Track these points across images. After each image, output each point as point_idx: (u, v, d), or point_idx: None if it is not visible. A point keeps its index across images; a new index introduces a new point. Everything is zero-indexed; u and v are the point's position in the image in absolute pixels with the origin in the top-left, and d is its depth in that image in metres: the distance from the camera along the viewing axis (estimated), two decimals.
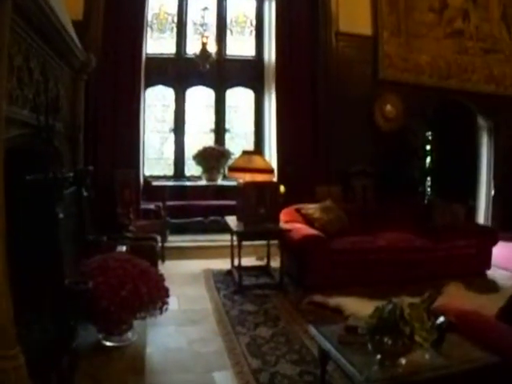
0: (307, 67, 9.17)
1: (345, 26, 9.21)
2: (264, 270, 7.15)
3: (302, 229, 6.72)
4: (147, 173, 9.24)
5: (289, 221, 7.00)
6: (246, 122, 9.99)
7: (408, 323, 2.50)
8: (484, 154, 10.73)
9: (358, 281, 6.38)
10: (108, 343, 4.18)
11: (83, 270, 4.21)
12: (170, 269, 7.28)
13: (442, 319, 2.82)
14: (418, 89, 9.51)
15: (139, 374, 3.79)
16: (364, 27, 9.39)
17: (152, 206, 8.25)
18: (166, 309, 4.36)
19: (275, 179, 7.76)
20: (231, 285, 6.52)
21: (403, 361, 2.57)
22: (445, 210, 7.67)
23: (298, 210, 7.25)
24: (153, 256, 6.13)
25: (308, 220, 7.05)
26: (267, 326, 5.14)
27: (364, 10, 9.43)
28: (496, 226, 9.95)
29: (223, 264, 7.19)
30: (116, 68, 8.28)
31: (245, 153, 6.97)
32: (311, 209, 7.15)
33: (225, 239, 7.32)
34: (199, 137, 9.65)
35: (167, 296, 4.38)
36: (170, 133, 9.55)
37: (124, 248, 5.90)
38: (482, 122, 10.63)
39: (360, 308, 4.96)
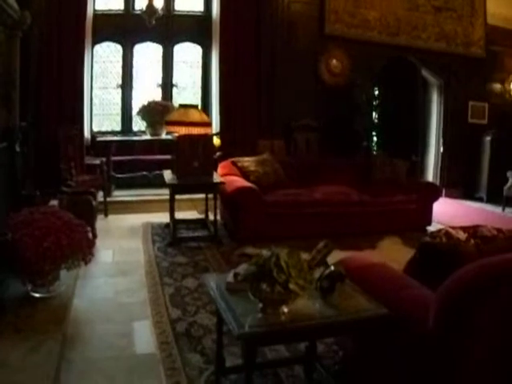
0: (252, 22, 9.27)
1: None
2: (203, 223, 7.33)
3: (235, 181, 6.87)
4: (96, 128, 9.41)
5: (225, 174, 7.16)
6: (194, 78, 10.11)
7: (283, 271, 2.45)
8: (434, 111, 11.03)
9: (293, 234, 6.48)
10: (36, 294, 4.31)
11: (10, 223, 4.30)
12: (112, 223, 7.53)
13: (332, 269, 2.82)
14: (365, 45, 9.66)
15: (60, 324, 3.89)
16: None
17: (97, 162, 8.34)
18: (90, 260, 4.47)
19: (213, 132, 7.96)
20: (168, 238, 6.65)
21: (285, 309, 2.54)
22: (385, 165, 7.87)
23: (234, 163, 7.40)
24: (89, 210, 6.27)
25: (244, 173, 7.20)
26: (194, 277, 5.29)
27: None
28: (444, 183, 10.40)
29: (164, 217, 7.31)
30: (60, 25, 8.32)
31: (181, 106, 7.12)
32: (247, 162, 7.31)
33: (168, 193, 7.46)
34: (147, 92, 9.74)
35: (91, 248, 4.50)
36: (117, 88, 9.70)
37: (56, 202, 6.11)
38: (432, 79, 10.86)
39: None
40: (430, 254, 2.88)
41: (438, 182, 10.52)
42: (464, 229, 2.91)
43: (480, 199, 10.56)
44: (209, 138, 6.85)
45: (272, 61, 9.30)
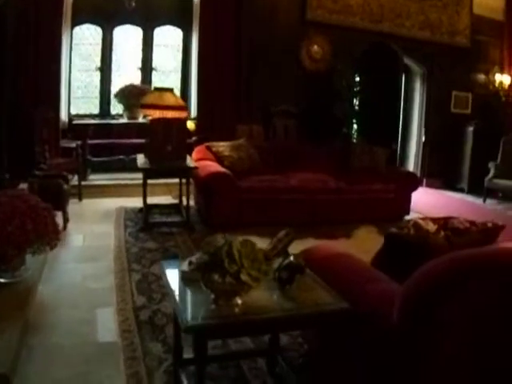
0: (233, 6, 9.20)
1: None
2: (176, 209, 7.26)
3: (209, 166, 6.80)
4: (74, 111, 9.28)
5: (200, 159, 7.09)
6: (174, 61, 10.00)
7: (235, 261, 2.34)
8: (417, 99, 11.01)
9: (267, 221, 6.39)
10: (0, 280, 4.21)
11: None
12: (86, 207, 7.47)
13: (291, 259, 2.72)
14: (347, 31, 9.61)
15: (23, 310, 3.84)
16: None
17: (73, 145, 8.25)
18: (56, 245, 4.36)
19: (191, 116, 7.88)
20: (140, 223, 6.57)
21: (239, 301, 2.45)
22: (364, 153, 7.82)
23: (209, 148, 7.33)
24: (60, 194, 6.19)
25: (218, 158, 7.13)
26: None
27: None
28: (425, 173, 10.39)
29: (139, 202, 7.11)
30: (37, 4, 8.16)
31: (156, 89, 7.04)
32: (222, 146, 7.22)
33: None
34: (127, 76, 9.62)
35: (57, 233, 4.39)
36: (96, 71, 9.56)
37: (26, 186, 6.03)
38: (415, 67, 10.84)
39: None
40: (397, 245, 2.80)
41: (419, 172, 10.56)
42: (434, 220, 2.83)
43: (461, 190, 10.57)
44: (182, 121, 6.76)
45: (252, 46, 9.22)
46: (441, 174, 10.80)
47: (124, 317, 4.05)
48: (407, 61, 10.65)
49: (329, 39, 9.65)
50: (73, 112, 9.18)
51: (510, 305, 2.13)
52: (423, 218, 2.88)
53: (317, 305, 2.60)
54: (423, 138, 10.92)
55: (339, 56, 9.68)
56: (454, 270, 2.15)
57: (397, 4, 10.11)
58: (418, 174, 9.83)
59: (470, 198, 10.02)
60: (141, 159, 6.73)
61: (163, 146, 6.40)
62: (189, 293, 2.63)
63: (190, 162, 6.74)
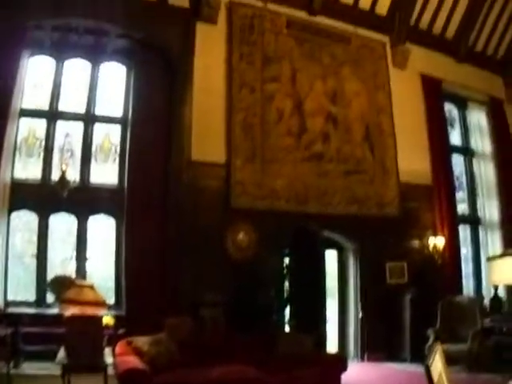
0: (159, 195, 9.74)
1: (198, 154, 9.87)
2: None
3: (127, 362, 6.77)
4: (11, 297, 9.43)
5: (121, 353, 7.09)
6: (107, 251, 10.30)
7: None
8: (351, 275, 11.32)
9: None
10: None
11: None
12: None
13: None
14: (273, 215, 10.02)
15: None
16: (217, 155, 10.05)
17: (5, 332, 8.23)
18: None
19: (107, 312, 8.07)
20: None
21: None
22: (290, 340, 7.97)
23: (129, 343, 7.36)
24: None
25: (138, 353, 7.14)
26: None
27: (218, 138, 10.16)
28: (366, 348, 10.53)
29: None
30: None
31: (76, 285, 7.36)
32: (140, 341, 7.32)
33: None
34: (63, 264, 9.94)
35: None
36: (32, 258, 9.83)
37: None
38: (346, 244, 11.25)
39: None
40: None
41: (359, 347, 10.67)
42: None
43: (404, 360, 10.62)
44: (99, 319, 6.91)
45: (178, 233, 9.59)
46: (383, 346, 10.84)
47: None
48: (337, 238, 11.11)
49: (255, 225, 9.97)
50: (10, 297, 9.34)
51: None
52: None
53: None
54: (360, 314, 11.06)
55: (266, 241, 9.94)
56: None
57: (322, 183, 10.72)
58: (359, 350, 9.98)
59: (412, 368, 10.08)
60: (61, 353, 6.80)
61: (80, 342, 6.49)
62: None
63: (109, 357, 6.83)
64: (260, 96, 10.56)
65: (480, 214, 13.62)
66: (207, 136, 10.05)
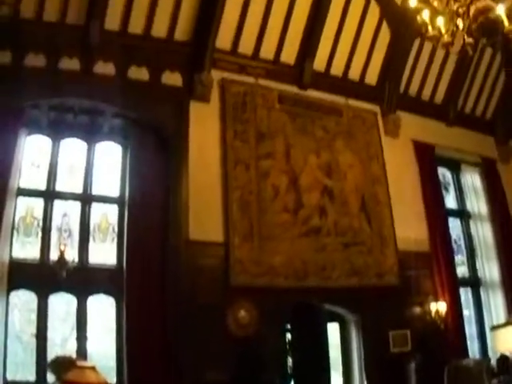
0: (158, 274, 9.71)
1: (196, 233, 9.89)
2: None
3: None
4: (11, 377, 9.22)
5: None
6: (107, 330, 10.20)
7: None
8: (354, 347, 11.21)
9: None
10: None
11: None
12: None
13: None
14: (273, 291, 10.01)
15: None
16: (215, 234, 10.08)
17: None
18: None
19: None
20: None
21: None
22: None
23: None
24: None
25: None
26: None
27: (215, 216, 10.20)
28: None
29: None
30: None
31: (77, 366, 7.29)
32: None
33: None
34: (63, 344, 9.86)
35: None
36: (31, 337, 9.70)
37: None
38: (348, 316, 11.21)
39: None
40: None
41: None
42: None
43: None
44: None
45: (178, 312, 9.54)
46: None
47: None
48: (339, 311, 11.07)
49: (255, 303, 9.95)
50: (9, 377, 9.17)
51: None
52: None
53: None
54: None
55: (267, 317, 9.91)
56: None
57: (320, 257, 10.75)
58: None
59: None
60: None
61: None
62: None
63: None
64: (255, 173, 10.67)
65: (480, 275, 13.61)
66: (204, 215, 10.11)
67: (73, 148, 10.80)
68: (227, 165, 10.58)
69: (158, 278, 9.76)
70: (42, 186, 10.36)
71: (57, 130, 10.59)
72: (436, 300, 11.82)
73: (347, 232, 11.29)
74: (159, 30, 10.97)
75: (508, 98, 14.71)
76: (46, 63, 10.00)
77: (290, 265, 10.44)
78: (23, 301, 9.93)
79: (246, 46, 11.71)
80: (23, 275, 9.57)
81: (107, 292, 10.24)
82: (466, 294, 13.38)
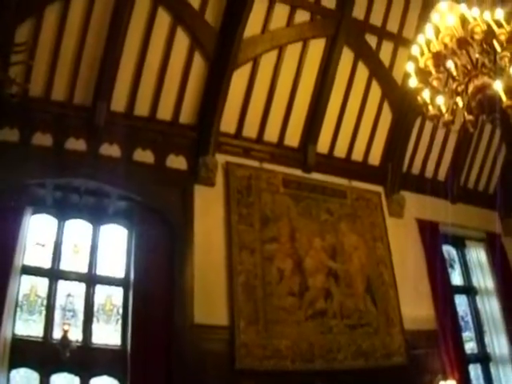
0: (163, 357, 9.71)
1: (201, 317, 9.96)
2: None
3: None
4: None
5: None
6: None
7: None
8: None
9: None
10: None
11: None
12: None
13: None
14: (279, 375, 10.01)
15: None
16: (220, 317, 10.15)
17: None
18: None
19: None
20: None
21: None
22: None
23: None
24: None
25: None
26: None
27: (220, 300, 10.29)
28: None
29: None
30: None
31: None
32: None
33: None
34: None
35: None
36: None
37: None
38: None
39: None
40: None
41: None
42: None
43: None
44: None
45: None
46: None
47: None
48: None
49: None
50: None
51: None
52: None
53: None
54: None
55: None
56: None
57: (326, 339, 10.75)
58: None
59: None
60: None
61: None
62: None
63: None
64: (260, 257, 10.81)
65: (489, 350, 13.55)
66: (209, 298, 10.21)
67: (78, 228, 11.02)
68: (232, 248, 10.73)
69: (162, 361, 9.78)
70: (47, 265, 10.49)
71: (62, 210, 10.82)
72: (445, 378, 11.70)
73: (353, 314, 11.33)
74: (164, 112, 11.34)
75: (510, 170, 14.99)
76: (53, 143, 10.31)
77: (296, 348, 10.45)
78: (24, 380, 9.84)
79: (250, 129, 12.08)
80: (25, 353, 9.59)
81: (111, 374, 10.23)
82: (475, 371, 13.31)
